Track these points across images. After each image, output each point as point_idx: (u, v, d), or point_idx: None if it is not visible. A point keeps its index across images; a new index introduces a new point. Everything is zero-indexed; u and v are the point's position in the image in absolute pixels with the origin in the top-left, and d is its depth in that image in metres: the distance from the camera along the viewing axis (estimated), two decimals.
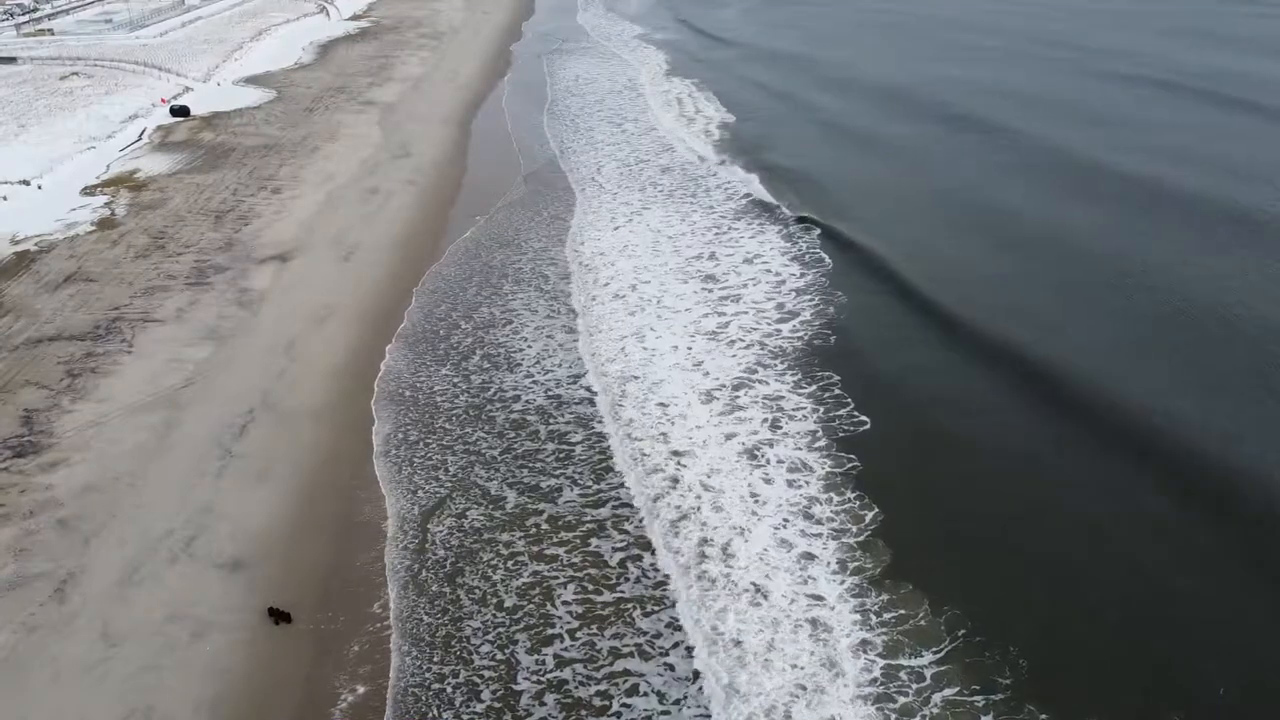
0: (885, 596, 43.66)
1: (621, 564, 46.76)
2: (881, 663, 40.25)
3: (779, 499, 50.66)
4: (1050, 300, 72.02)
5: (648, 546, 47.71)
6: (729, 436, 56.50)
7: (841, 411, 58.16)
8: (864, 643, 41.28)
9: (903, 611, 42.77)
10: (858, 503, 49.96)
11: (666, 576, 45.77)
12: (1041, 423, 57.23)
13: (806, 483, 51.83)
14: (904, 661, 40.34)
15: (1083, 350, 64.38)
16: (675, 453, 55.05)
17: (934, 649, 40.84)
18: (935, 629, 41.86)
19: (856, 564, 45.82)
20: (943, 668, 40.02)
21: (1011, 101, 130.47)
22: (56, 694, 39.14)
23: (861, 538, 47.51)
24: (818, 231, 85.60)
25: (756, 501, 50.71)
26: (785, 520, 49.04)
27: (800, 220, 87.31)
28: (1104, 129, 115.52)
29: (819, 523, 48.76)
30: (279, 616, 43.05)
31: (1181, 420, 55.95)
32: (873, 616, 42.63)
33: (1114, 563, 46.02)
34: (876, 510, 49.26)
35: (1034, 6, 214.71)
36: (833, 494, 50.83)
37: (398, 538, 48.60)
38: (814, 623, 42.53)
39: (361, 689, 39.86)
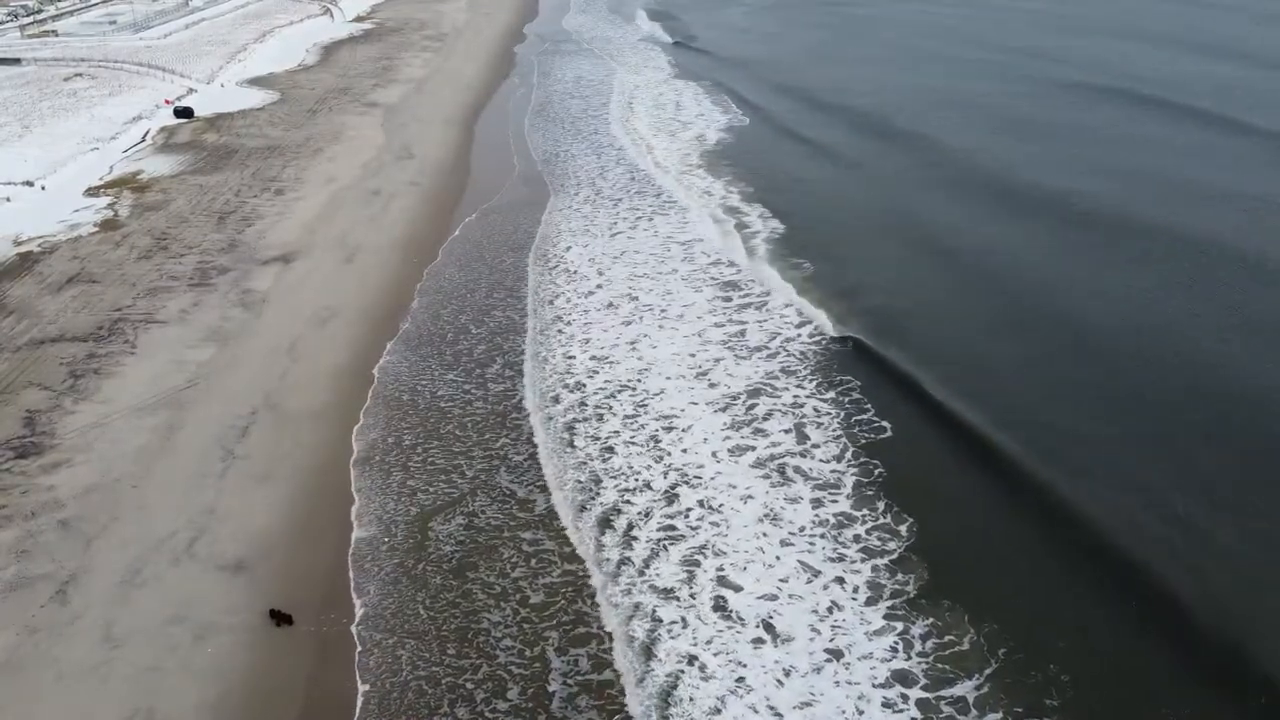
0: (930, 620, 42.60)
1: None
2: (920, 695, 39.11)
3: (803, 518, 49.70)
4: (1054, 308, 72.61)
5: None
6: (738, 450, 55.66)
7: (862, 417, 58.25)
8: (903, 674, 40.14)
9: (949, 638, 41.63)
10: (890, 516, 49.45)
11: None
12: (1071, 416, 57.63)
13: (834, 500, 51.00)
14: (945, 692, 39.22)
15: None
16: (673, 468, 54.10)
17: (976, 674, 39.85)
18: (978, 651, 40.94)
19: (895, 586, 44.75)
20: (983, 691, 39.11)
21: (1005, 119, 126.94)
22: (58, 695, 39.14)
23: (895, 555, 46.79)
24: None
25: (775, 523, 49.48)
26: (811, 543, 47.91)
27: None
28: (1086, 149, 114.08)
29: (846, 544, 47.79)
30: (280, 618, 43.02)
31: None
32: (916, 643, 41.46)
33: (1154, 562, 45.86)
34: (911, 520, 48.89)
35: (1026, 15, 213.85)
36: (865, 508, 50.14)
37: (385, 539, 48.55)
38: (839, 654, 41.31)
39: (362, 690, 39.80)
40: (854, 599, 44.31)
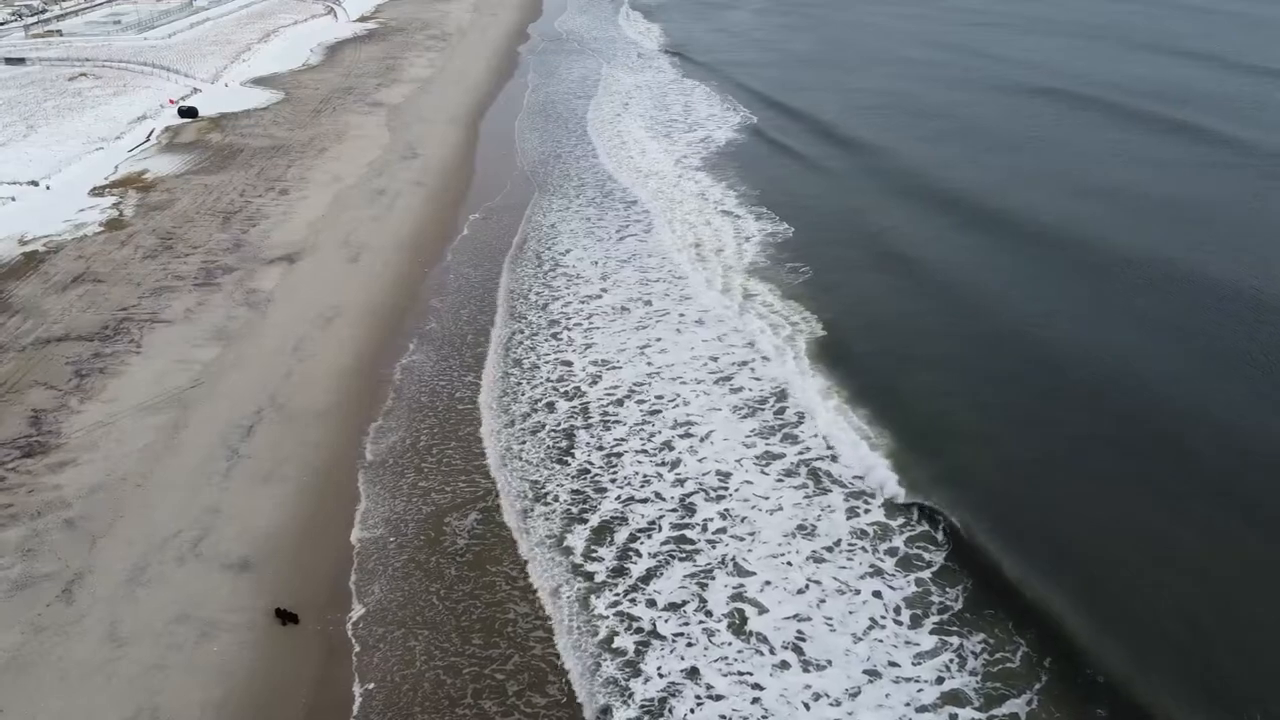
0: (978, 636, 41.46)
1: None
2: (972, 714, 37.90)
3: (838, 530, 48.46)
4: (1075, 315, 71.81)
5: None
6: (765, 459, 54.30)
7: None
8: (952, 694, 38.83)
9: (1000, 654, 40.45)
10: (927, 522, 48.69)
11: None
12: (1089, 412, 57.57)
13: (867, 509, 50.00)
14: (996, 711, 37.98)
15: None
16: (689, 477, 52.87)
17: (1027, 689, 38.81)
18: (1026, 663, 39.92)
19: (940, 600, 43.54)
20: (1032, 707, 38.10)
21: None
22: (63, 694, 39.13)
23: (936, 567, 45.80)
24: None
25: (809, 536, 48.13)
26: (851, 556, 46.49)
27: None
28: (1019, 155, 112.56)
29: (883, 557, 46.57)
30: (286, 617, 43.01)
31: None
32: (969, 659, 40.27)
33: (1193, 563, 45.63)
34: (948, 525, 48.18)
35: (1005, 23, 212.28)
36: (901, 516, 49.24)
37: (392, 538, 48.62)
38: (878, 674, 39.76)
39: (368, 691, 39.77)
40: (896, 618, 42.69)
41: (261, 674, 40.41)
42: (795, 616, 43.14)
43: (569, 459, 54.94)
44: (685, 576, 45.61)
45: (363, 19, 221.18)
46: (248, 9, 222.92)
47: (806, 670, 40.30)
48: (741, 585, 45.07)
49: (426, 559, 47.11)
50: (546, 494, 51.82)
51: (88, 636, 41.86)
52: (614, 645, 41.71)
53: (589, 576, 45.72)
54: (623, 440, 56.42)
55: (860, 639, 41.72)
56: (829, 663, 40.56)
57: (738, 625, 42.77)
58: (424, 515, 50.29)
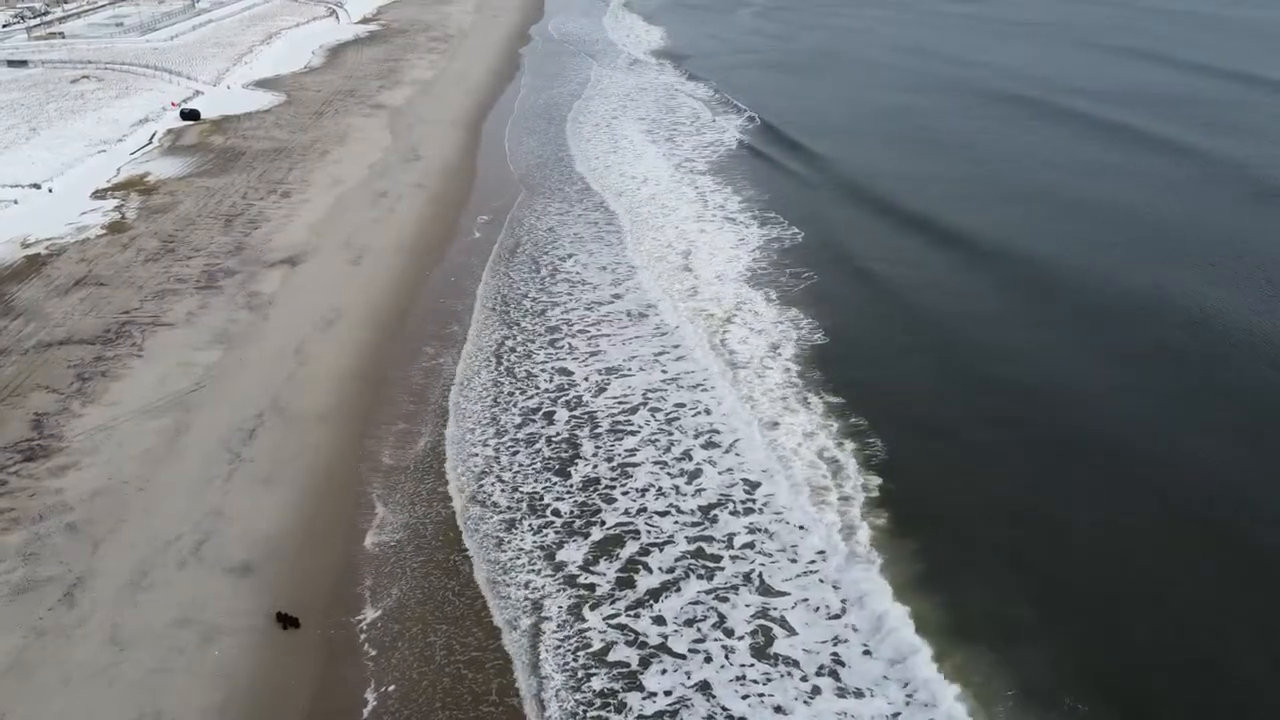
0: (1024, 657, 40.39)
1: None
2: None
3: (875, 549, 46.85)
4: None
5: None
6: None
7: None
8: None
9: (1050, 674, 39.56)
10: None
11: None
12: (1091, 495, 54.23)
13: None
14: None
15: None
16: (707, 489, 51.60)
17: (1073, 704, 38.02)
18: (1072, 679, 39.33)
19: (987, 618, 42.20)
20: None
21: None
22: (65, 697, 39.20)
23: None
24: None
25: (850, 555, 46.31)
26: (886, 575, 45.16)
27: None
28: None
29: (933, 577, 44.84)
30: (287, 621, 43.05)
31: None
32: (1010, 683, 39.10)
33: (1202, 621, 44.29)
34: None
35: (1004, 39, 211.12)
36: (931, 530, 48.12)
37: (394, 543, 48.75)
38: (928, 705, 37.97)
39: (369, 695, 39.84)
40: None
41: (262, 678, 40.47)
42: (834, 639, 41.36)
43: (572, 467, 55.09)
44: (701, 593, 44.59)
45: (364, 21, 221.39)
46: (250, 11, 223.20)
47: (842, 696, 38.73)
48: (767, 604, 43.61)
49: (441, 558, 47.26)
50: (546, 507, 51.65)
51: (89, 640, 41.95)
52: (610, 658, 41.14)
53: (590, 588, 45.31)
54: (634, 450, 55.88)
55: (899, 663, 40.19)
56: (870, 692, 38.82)
57: (761, 647, 41.31)
58: (441, 519, 50.38)
